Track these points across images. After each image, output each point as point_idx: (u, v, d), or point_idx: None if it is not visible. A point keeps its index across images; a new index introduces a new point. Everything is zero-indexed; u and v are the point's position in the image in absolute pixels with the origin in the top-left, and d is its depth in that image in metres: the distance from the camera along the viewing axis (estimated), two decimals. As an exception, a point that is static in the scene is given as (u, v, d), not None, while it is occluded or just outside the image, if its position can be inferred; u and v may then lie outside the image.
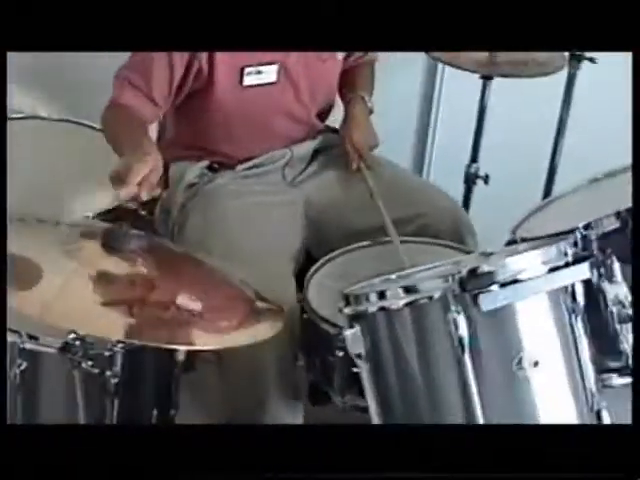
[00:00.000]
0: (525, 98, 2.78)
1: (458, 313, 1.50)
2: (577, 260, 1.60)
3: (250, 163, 2.26)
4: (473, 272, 1.52)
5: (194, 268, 1.91)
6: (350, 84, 2.38)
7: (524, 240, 1.77)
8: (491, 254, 1.69)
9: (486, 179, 2.76)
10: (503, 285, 1.52)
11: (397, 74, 2.87)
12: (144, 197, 1.78)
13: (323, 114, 2.36)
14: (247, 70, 2.12)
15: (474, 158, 2.77)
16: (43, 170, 2.34)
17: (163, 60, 2.04)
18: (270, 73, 2.15)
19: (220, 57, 2.07)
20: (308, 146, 2.33)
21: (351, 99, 2.34)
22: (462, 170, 2.80)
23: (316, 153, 2.35)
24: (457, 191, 2.77)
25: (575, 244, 1.63)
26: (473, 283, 1.51)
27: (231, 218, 2.13)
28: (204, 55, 2.05)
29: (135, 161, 1.77)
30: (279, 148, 2.27)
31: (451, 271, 1.57)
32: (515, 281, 1.53)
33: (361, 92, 2.34)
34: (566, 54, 2.44)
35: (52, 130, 2.56)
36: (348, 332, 1.61)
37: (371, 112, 2.34)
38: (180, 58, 2.04)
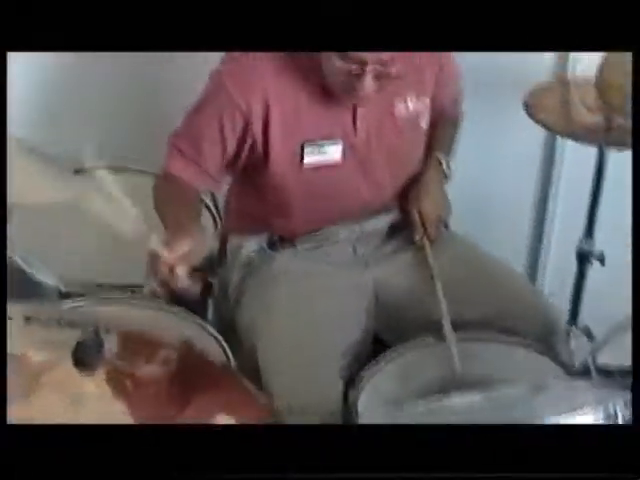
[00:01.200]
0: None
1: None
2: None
3: (312, 240, 2.06)
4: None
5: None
6: (427, 143, 2.14)
7: (600, 371, 1.62)
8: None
9: (601, 259, 2.39)
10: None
11: (515, 140, 2.65)
12: (178, 284, 1.70)
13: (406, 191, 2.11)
14: (307, 148, 1.94)
15: (589, 234, 2.40)
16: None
17: (214, 131, 1.91)
18: (333, 151, 1.96)
19: (277, 134, 1.92)
20: (380, 221, 2.10)
21: (426, 162, 2.12)
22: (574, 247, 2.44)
23: (394, 229, 2.12)
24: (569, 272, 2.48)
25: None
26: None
27: (284, 303, 1.96)
28: (259, 130, 1.91)
29: (173, 243, 1.69)
30: (344, 224, 2.06)
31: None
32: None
33: (436, 153, 2.13)
34: None
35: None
36: None
37: (447, 177, 2.12)
38: (232, 130, 1.90)
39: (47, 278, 1.99)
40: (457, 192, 2.21)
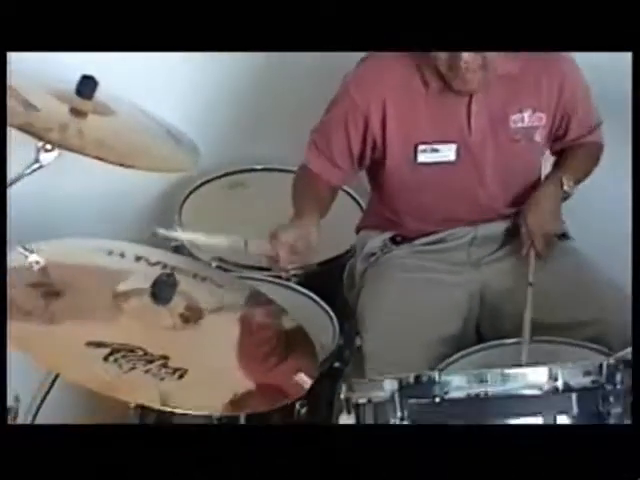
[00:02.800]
0: None
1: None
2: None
3: (429, 238, 2.17)
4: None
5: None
6: (558, 164, 2.21)
7: None
8: None
9: None
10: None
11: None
12: (283, 263, 1.89)
13: (522, 200, 2.15)
14: (421, 147, 2.05)
15: None
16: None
17: (341, 130, 2.08)
18: (448, 151, 2.06)
19: (393, 131, 2.05)
20: (496, 227, 2.17)
21: (546, 178, 2.18)
22: None
23: (508, 235, 2.18)
24: None
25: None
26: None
27: (393, 291, 2.09)
28: (377, 128, 2.05)
29: (286, 228, 1.90)
30: (461, 226, 2.15)
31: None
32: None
33: (561, 172, 2.15)
34: None
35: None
36: None
37: (566, 197, 2.14)
38: (354, 128, 2.06)
39: (205, 256, 2.24)
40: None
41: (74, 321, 1.50)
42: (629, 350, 1.56)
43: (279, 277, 2.23)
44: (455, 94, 2.01)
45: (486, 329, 2.11)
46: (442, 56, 1.93)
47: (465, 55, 1.88)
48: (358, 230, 2.30)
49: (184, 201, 2.50)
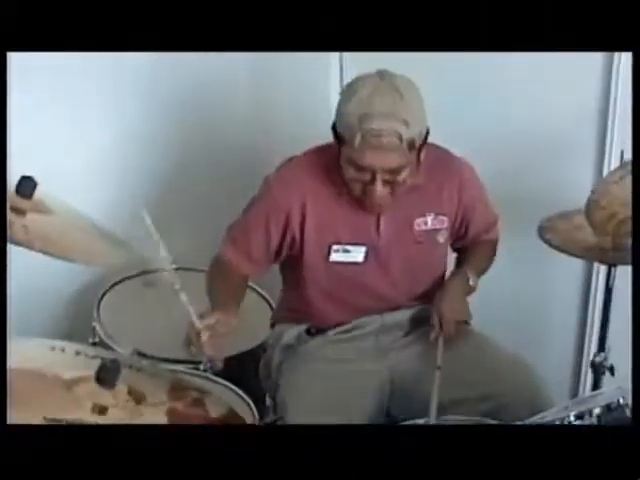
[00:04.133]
0: None
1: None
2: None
3: (341, 328, 2.30)
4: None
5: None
6: (460, 261, 2.40)
7: None
8: None
9: (612, 370, 2.55)
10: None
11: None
12: (206, 348, 1.95)
13: (429, 294, 2.32)
14: (334, 247, 2.21)
15: (601, 347, 2.57)
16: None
17: (261, 226, 2.20)
18: (357, 253, 2.22)
19: (310, 231, 2.19)
20: (401, 315, 2.32)
21: (453, 273, 2.35)
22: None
23: (416, 323, 2.34)
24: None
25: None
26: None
27: (309, 381, 2.19)
28: (297, 227, 2.19)
29: (206, 314, 1.99)
30: (369, 315, 2.30)
31: None
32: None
33: (466, 267, 2.33)
34: None
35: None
36: None
37: (471, 290, 2.30)
38: (275, 225, 2.19)
39: (124, 349, 2.34)
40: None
41: (28, 405, 1.55)
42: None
43: (196, 369, 2.31)
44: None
45: (396, 411, 2.23)
46: (356, 186, 2.10)
47: (378, 190, 2.06)
48: (273, 324, 2.42)
49: (101, 298, 2.59)
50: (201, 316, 2.00)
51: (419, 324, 2.33)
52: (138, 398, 1.66)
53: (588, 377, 2.87)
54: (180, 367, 2.31)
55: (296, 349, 2.32)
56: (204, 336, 1.97)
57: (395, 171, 2.06)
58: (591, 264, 2.86)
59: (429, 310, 2.29)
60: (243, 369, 2.37)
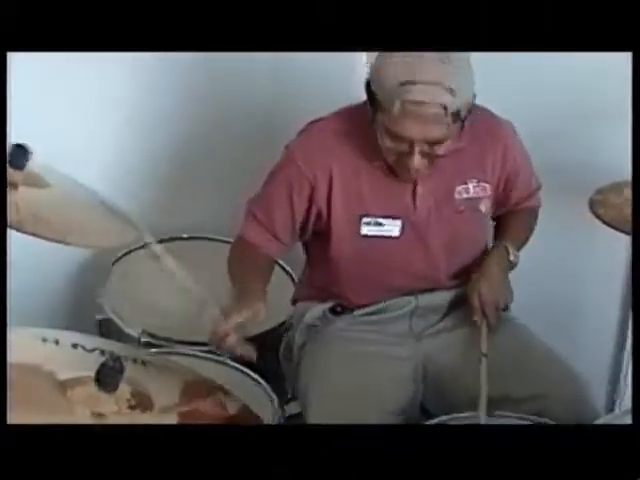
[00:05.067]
0: None
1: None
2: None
3: (370, 309, 2.12)
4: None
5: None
6: (499, 231, 2.20)
7: None
8: None
9: None
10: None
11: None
12: (230, 344, 1.85)
13: (467, 272, 2.13)
14: (365, 220, 2.03)
15: None
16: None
17: (285, 200, 2.04)
18: (392, 227, 2.04)
19: (338, 203, 2.02)
20: (439, 297, 2.14)
21: (492, 247, 2.14)
22: None
23: (451, 307, 2.16)
24: None
25: None
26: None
27: (337, 366, 2.04)
28: (323, 199, 2.02)
29: (237, 309, 1.87)
30: (402, 296, 2.12)
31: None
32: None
33: (506, 241, 2.15)
34: None
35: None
36: None
37: (513, 266, 2.14)
38: (299, 198, 2.03)
39: (133, 331, 2.26)
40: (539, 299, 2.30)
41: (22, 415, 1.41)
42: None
43: (212, 352, 2.14)
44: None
45: (430, 404, 2.07)
46: (390, 155, 1.93)
47: (415, 162, 1.89)
48: (294, 301, 2.25)
49: (107, 271, 2.46)
50: (226, 312, 1.87)
51: (457, 308, 2.15)
52: (144, 404, 1.50)
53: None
54: (194, 350, 2.17)
55: (320, 330, 2.14)
56: (232, 339, 1.86)
57: (436, 143, 1.89)
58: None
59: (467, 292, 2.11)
60: (263, 350, 2.11)
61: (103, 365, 1.48)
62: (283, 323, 2.27)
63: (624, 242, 2.46)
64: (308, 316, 2.16)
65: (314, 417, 1.99)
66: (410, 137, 1.87)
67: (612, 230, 2.14)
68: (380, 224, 2.04)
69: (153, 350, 2.18)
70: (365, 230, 2.04)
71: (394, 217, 2.04)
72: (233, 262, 2.09)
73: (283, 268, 2.49)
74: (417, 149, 1.89)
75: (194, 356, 2.17)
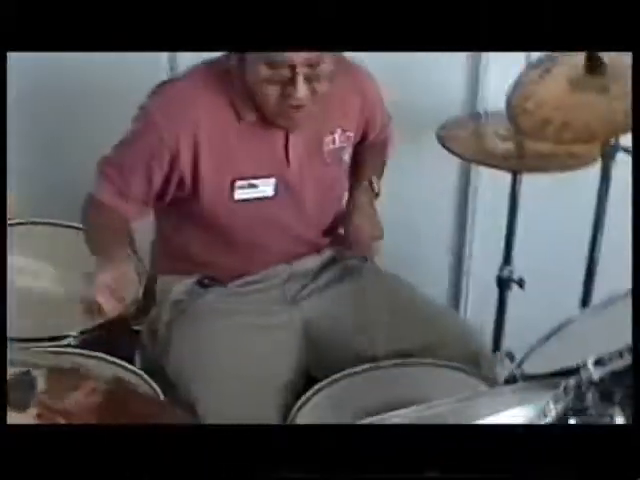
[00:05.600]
0: (559, 193, 2.61)
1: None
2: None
3: (246, 279, 2.03)
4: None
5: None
6: (356, 165, 2.14)
7: (525, 378, 1.59)
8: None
9: (521, 283, 2.51)
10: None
11: (430, 170, 2.74)
12: (110, 313, 1.73)
13: (333, 226, 2.13)
14: (238, 183, 1.91)
15: (507, 260, 2.51)
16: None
17: (141, 165, 1.89)
18: (265, 187, 1.94)
19: (207, 169, 1.89)
20: (312, 262, 2.10)
21: (355, 184, 2.12)
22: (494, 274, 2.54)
23: (322, 268, 2.12)
24: (491, 297, 2.59)
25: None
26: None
27: (218, 340, 1.92)
28: (188, 165, 1.87)
29: (101, 270, 1.75)
30: (277, 264, 2.05)
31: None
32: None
33: (367, 175, 2.13)
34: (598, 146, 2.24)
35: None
36: None
37: (377, 195, 2.12)
38: (159, 165, 1.88)
39: None
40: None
41: None
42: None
43: (59, 345, 1.93)
44: (270, 125, 1.91)
45: (316, 369, 1.99)
46: (269, 95, 1.82)
47: (300, 89, 1.79)
48: (151, 277, 2.08)
49: None
50: (90, 276, 1.75)
51: (326, 269, 2.11)
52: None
53: (470, 289, 2.81)
54: (42, 346, 1.92)
55: (188, 305, 2.01)
56: (102, 298, 1.72)
57: (316, 62, 1.79)
58: (468, 169, 2.76)
59: (339, 252, 2.09)
60: (113, 337, 2.00)
61: (14, 380, 1.37)
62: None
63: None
64: (175, 291, 2.03)
65: (199, 392, 1.87)
66: (290, 59, 1.77)
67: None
68: (254, 185, 1.93)
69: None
70: (239, 194, 1.93)
71: (267, 176, 1.94)
72: (90, 226, 1.97)
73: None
74: (299, 71, 1.78)
75: (50, 352, 1.92)
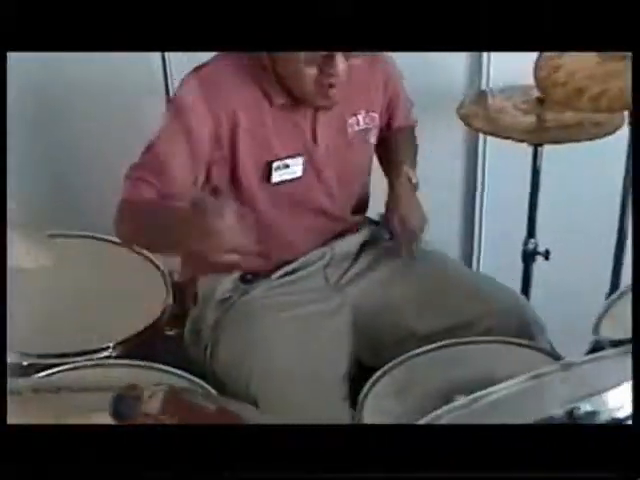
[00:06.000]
0: (583, 163, 2.60)
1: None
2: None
3: (287, 268, 2.02)
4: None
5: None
6: (390, 155, 2.17)
7: (614, 344, 1.55)
8: (571, 365, 1.48)
9: (547, 255, 2.51)
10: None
11: (435, 146, 2.68)
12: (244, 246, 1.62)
13: (361, 206, 2.15)
14: (275, 164, 1.91)
15: (531, 233, 2.52)
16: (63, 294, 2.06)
17: (182, 149, 1.82)
18: (295, 166, 1.94)
19: (245, 152, 1.88)
20: (351, 241, 2.10)
21: (393, 172, 2.12)
22: (517, 248, 2.56)
23: (361, 249, 2.12)
24: (514, 271, 2.58)
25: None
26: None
27: (271, 336, 1.89)
28: (227, 148, 1.85)
29: (219, 212, 1.59)
30: (317, 247, 2.05)
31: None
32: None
33: (404, 165, 2.12)
34: (625, 112, 2.22)
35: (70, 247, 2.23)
36: None
37: (416, 186, 2.12)
38: (202, 150, 1.83)
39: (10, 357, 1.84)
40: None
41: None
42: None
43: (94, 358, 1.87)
44: (298, 107, 1.92)
45: (365, 355, 1.97)
46: (309, 72, 1.82)
47: (340, 64, 1.79)
48: (190, 279, 2.04)
49: None
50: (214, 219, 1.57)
51: (366, 251, 2.11)
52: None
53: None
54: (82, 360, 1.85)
55: (234, 303, 1.97)
56: (231, 228, 1.57)
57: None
58: (476, 143, 2.76)
59: (377, 232, 2.09)
60: (148, 349, 1.96)
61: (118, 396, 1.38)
62: (159, 318, 2.01)
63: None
64: (219, 290, 2.00)
65: (264, 387, 1.83)
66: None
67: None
68: (287, 166, 1.93)
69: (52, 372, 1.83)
70: (276, 176, 1.92)
71: (296, 155, 1.95)
72: (143, 221, 1.82)
73: (150, 260, 2.19)
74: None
75: (93, 365, 1.86)
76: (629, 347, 1.45)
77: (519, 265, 2.59)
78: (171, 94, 2.19)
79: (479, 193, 2.88)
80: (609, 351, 1.54)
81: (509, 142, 2.33)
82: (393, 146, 2.18)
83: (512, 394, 1.48)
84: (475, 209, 2.92)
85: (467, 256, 3.01)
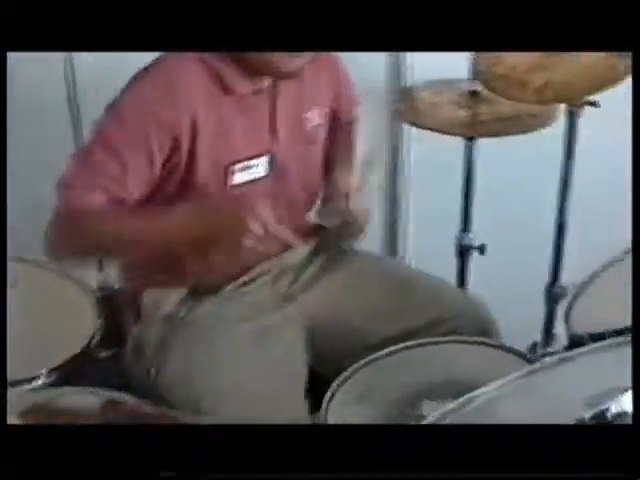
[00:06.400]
0: (514, 157, 2.57)
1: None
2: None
3: (241, 280, 1.92)
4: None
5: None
6: (338, 147, 2.04)
7: (594, 338, 1.53)
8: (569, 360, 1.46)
9: (482, 249, 2.50)
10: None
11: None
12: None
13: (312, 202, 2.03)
14: (237, 166, 1.78)
15: (465, 227, 2.51)
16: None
17: (139, 146, 1.71)
18: (259, 166, 1.82)
19: (205, 152, 1.75)
20: (300, 253, 2.00)
21: (338, 167, 1.97)
22: (449, 242, 2.54)
23: (309, 259, 2.03)
24: (449, 265, 2.56)
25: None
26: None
27: (225, 352, 1.81)
28: (185, 150, 1.73)
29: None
30: (267, 259, 1.93)
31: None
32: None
33: (347, 157, 1.95)
34: (562, 104, 2.21)
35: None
36: None
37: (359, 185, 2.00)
38: (159, 152, 1.72)
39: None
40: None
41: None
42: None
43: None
44: (257, 96, 1.83)
45: (323, 365, 1.89)
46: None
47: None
48: (132, 294, 1.93)
49: None
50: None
51: (314, 259, 2.02)
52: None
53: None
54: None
55: (184, 319, 1.87)
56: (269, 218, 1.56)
57: None
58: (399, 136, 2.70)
59: (326, 238, 1.97)
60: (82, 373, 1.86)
61: None
62: (90, 342, 1.91)
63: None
64: (164, 306, 1.89)
65: (215, 407, 1.76)
66: None
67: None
68: (249, 167, 1.80)
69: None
70: (237, 178, 1.79)
71: (260, 155, 1.82)
72: (93, 235, 1.71)
73: (79, 284, 2.06)
74: None
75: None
76: (619, 338, 1.46)
77: (453, 261, 2.58)
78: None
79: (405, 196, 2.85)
80: (603, 343, 1.52)
81: (436, 135, 2.31)
82: (339, 139, 2.05)
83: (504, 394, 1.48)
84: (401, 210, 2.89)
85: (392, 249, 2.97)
